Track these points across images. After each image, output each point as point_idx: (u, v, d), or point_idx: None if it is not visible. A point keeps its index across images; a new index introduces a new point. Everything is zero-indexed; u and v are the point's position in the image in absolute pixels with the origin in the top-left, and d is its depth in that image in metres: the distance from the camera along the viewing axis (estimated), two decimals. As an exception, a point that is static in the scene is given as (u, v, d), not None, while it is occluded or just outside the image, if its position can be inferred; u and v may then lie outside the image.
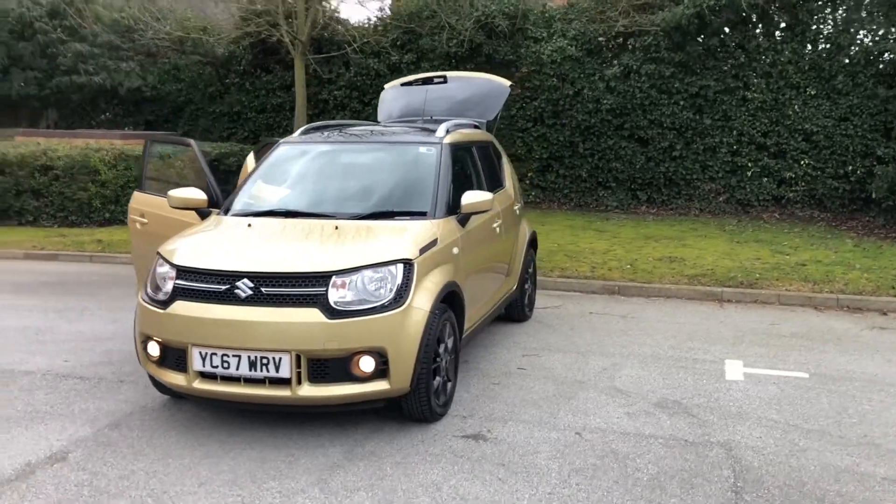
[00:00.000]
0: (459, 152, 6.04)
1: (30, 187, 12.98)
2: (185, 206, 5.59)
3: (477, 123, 7.22)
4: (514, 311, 7.24)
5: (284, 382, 4.36)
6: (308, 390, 4.37)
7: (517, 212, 7.13)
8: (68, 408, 5.07)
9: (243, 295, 4.42)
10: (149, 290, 4.76)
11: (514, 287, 7.01)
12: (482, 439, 4.61)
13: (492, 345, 6.60)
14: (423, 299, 4.59)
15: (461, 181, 5.90)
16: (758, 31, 13.76)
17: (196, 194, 5.59)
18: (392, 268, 4.55)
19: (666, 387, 5.57)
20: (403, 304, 4.48)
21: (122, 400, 5.21)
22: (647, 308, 8.10)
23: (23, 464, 4.24)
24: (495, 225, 6.18)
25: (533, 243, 7.64)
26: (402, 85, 8.07)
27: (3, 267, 10.09)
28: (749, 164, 13.66)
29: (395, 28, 15.41)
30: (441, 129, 5.95)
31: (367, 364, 4.41)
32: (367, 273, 4.48)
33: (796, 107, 13.42)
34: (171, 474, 4.13)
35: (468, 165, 6.22)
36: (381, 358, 4.42)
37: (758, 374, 5.88)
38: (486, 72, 14.50)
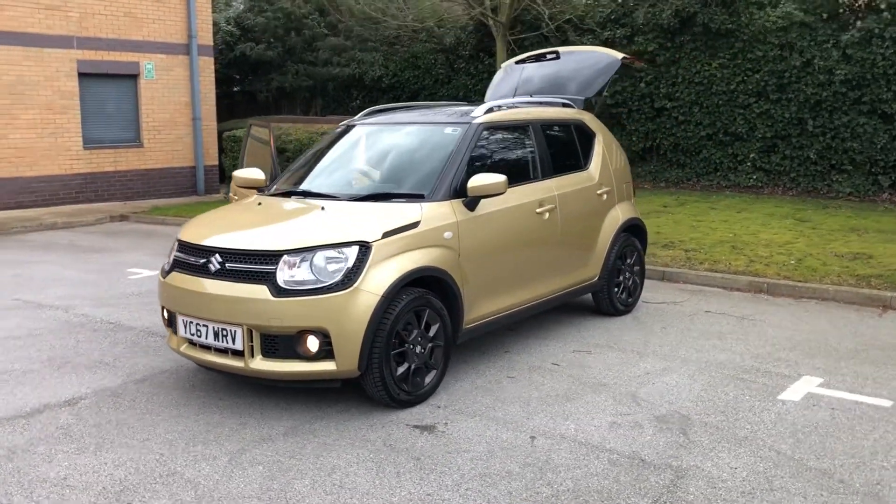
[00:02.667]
0: (498, 133, 5.77)
1: (264, 167, 14.61)
2: (247, 185, 6.01)
3: (567, 101, 6.81)
4: (601, 303, 6.74)
5: (241, 354, 4.58)
6: (259, 363, 4.55)
7: (603, 197, 6.59)
8: (117, 360, 5.75)
9: (213, 269, 4.70)
10: (165, 262, 5.25)
11: (596, 278, 6.53)
12: (429, 431, 4.44)
13: (550, 336, 6.24)
14: (377, 282, 4.51)
15: (494, 163, 5.65)
16: None
17: (255, 174, 5.99)
18: (346, 249, 4.54)
19: (694, 399, 4.88)
20: (351, 286, 4.45)
21: (166, 358, 5.79)
22: (782, 311, 7.04)
23: (40, 404, 4.94)
24: (541, 210, 5.80)
25: (634, 231, 7.02)
26: (517, 63, 7.81)
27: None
28: None
29: (608, 2, 14.77)
30: (480, 109, 5.72)
31: (312, 343, 4.47)
32: (322, 253, 4.52)
33: None
34: (135, 427, 4.55)
35: (515, 146, 5.90)
36: (326, 338, 4.45)
37: (824, 396, 4.90)
38: (702, 43, 13.50)
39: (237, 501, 3.67)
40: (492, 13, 13.76)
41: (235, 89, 21.89)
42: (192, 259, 4.85)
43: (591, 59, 7.27)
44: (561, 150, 6.35)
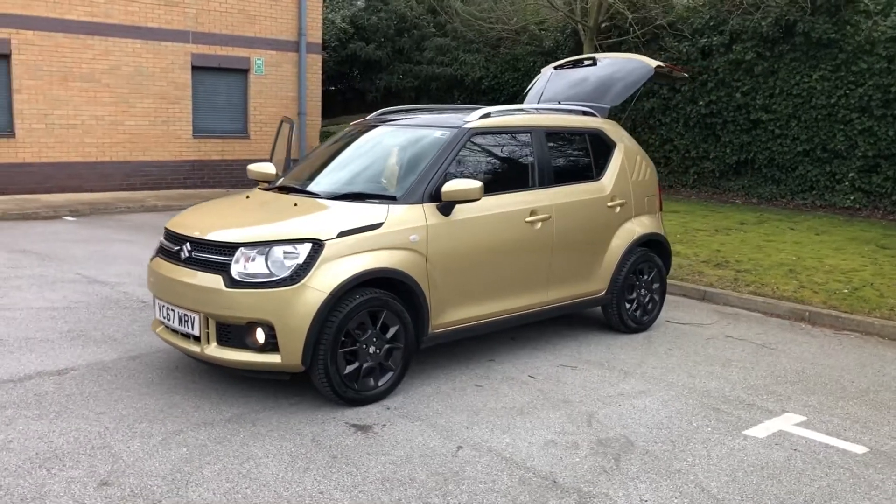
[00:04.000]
0: (492, 138, 5.70)
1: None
2: (259, 179, 6.25)
3: (587, 109, 6.63)
4: (610, 318, 6.54)
5: (199, 340, 4.78)
6: (214, 350, 4.73)
7: (616, 209, 6.37)
8: (127, 336, 6.11)
9: (183, 257, 4.93)
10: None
11: (603, 292, 6.33)
12: (362, 431, 4.48)
13: (545, 348, 6.11)
14: (325, 280, 4.59)
15: (483, 168, 5.60)
16: None
17: (267, 168, 6.22)
18: (299, 246, 4.64)
19: (652, 426, 4.66)
20: (299, 282, 4.55)
21: (167, 339, 6.10)
22: (812, 341, 6.58)
23: (34, 371, 5.33)
24: (532, 219, 5.68)
25: (654, 246, 6.75)
26: (556, 68, 7.67)
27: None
28: None
29: (707, 7, 14.17)
30: (475, 114, 5.69)
31: (260, 335, 4.61)
32: (277, 248, 4.64)
33: None
34: (103, 400, 4.82)
35: (509, 153, 5.81)
36: (271, 332, 4.57)
37: (794, 436, 4.56)
38: (803, 53, 12.73)
39: (142, 479, 3.84)
40: (581, 18, 13.52)
41: (347, 86, 22.56)
42: (170, 246, 5.10)
43: (625, 67, 7.04)
44: (568, 158, 6.20)
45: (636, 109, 15.53)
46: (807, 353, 6.24)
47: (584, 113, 6.61)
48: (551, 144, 6.06)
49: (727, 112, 14.18)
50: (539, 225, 5.75)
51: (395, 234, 4.92)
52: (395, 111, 6.58)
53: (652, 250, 6.73)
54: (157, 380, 5.22)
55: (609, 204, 6.34)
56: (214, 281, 4.66)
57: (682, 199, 14.45)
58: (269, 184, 6.06)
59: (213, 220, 5.17)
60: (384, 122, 6.16)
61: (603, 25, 14.61)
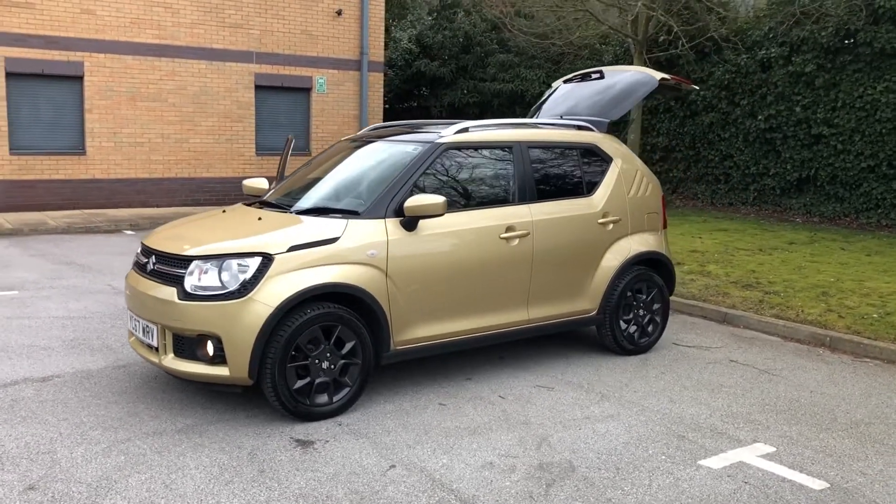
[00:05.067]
0: (467, 154, 5.62)
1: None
2: (252, 194, 6.36)
3: (581, 123, 6.47)
4: (604, 339, 6.33)
5: (158, 351, 4.89)
6: (169, 361, 4.82)
7: (608, 227, 6.16)
8: (124, 346, 6.29)
9: (149, 269, 5.05)
10: (141, 260, 5.69)
11: (594, 311, 6.14)
12: (302, 447, 4.45)
13: (528, 367, 5.96)
14: (272, 294, 4.60)
15: (455, 184, 5.53)
16: None
17: (259, 183, 6.33)
18: (249, 259, 4.68)
19: (604, 451, 4.46)
20: (246, 295, 4.59)
21: (158, 350, 6.26)
22: (821, 368, 6.19)
23: (22, 377, 5.55)
24: (508, 235, 5.56)
25: (654, 265, 6.50)
26: (564, 82, 7.52)
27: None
28: None
29: (768, 18, 13.64)
30: (451, 129, 5.63)
31: (210, 348, 4.67)
32: (228, 262, 4.70)
33: None
34: (70, 407, 4.96)
35: (486, 168, 5.71)
36: (219, 344, 4.62)
37: (753, 467, 4.27)
38: (866, 64, 12.07)
39: (69, 485, 3.93)
40: (633, 32, 13.24)
41: (413, 104, 22.78)
42: (142, 259, 5.24)
43: (627, 80, 6.82)
44: (555, 174, 6.05)
45: (696, 124, 15.06)
46: (810, 381, 5.86)
47: (580, 127, 6.44)
48: (536, 160, 5.93)
49: (787, 127, 13.58)
50: (516, 241, 5.62)
51: (351, 250, 4.90)
52: (387, 126, 6.58)
53: (652, 269, 6.48)
54: (130, 388, 5.36)
55: (600, 221, 6.14)
56: (170, 293, 4.75)
57: (738, 218, 13.90)
58: (255, 199, 6.15)
59: (180, 233, 5.28)
60: (374, 138, 6.17)
61: (657, 38, 14.27)
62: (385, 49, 22.39)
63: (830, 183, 13.20)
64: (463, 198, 5.57)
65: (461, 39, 20.96)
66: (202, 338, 4.68)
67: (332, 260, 4.83)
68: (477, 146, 5.68)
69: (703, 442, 4.64)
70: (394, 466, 4.22)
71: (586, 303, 6.11)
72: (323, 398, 4.85)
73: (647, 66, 13.61)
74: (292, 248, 4.74)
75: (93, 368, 5.76)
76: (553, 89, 7.54)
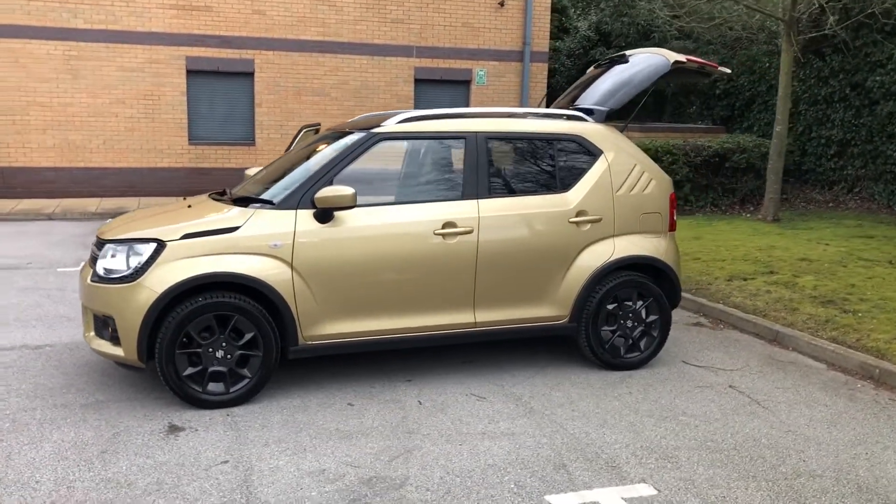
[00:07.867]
0: (408, 144, 5.37)
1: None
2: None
3: (574, 113, 5.88)
4: (582, 351, 5.73)
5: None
6: (90, 339, 5.09)
7: (583, 227, 5.54)
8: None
9: (91, 255, 5.36)
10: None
11: (565, 319, 5.58)
12: (168, 433, 4.50)
13: (481, 375, 5.57)
14: (160, 280, 4.69)
15: (389, 176, 5.29)
16: None
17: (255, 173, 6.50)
18: (144, 245, 4.81)
19: (457, 473, 4.05)
20: (137, 279, 4.72)
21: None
22: (834, 406, 5.15)
23: (10, 345, 6.13)
24: (445, 231, 5.18)
25: (649, 272, 5.77)
26: (595, 67, 6.86)
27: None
28: None
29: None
30: (394, 118, 5.37)
31: (110, 328, 4.87)
32: (129, 247, 4.86)
33: None
34: (41, 384, 5.33)
35: (429, 160, 5.38)
36: (115, 325, 4.80)
37: (597, 513, 3.65)
38: None
39: (-64, 444, 4.30)
40: (782, 14, 11.76)
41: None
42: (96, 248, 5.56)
43: (639, 64, 6.09)
44: (519, 167, 5.56)
45: (874, 115, 13.10)
46: (800, 420, 4.89)
47: (571, 118, 5.85)
48: (495, 152, 5.49)
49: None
50: (455, 239, 5.24)
51: (251, 239, 4.86)
52: (377, 115, 6.41)
53: (646, 276, 5.74)
54: (96, 362, 5.72)
55: (573, 219, 5.54)
56: (88, 275, 5.01)
57: (915, 223, 11.90)
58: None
59: (123, 222, 5.52)
60: (352, 129, 6.06)
61: (814, 18, 12.59)
62: (566, 36, 21.85)
63: None
64: (398, 191, 5.29)
65: (641, 24, 19.90)
66: (106, 319, 4.88)
67: (228, 249, 4.82)
68: (421, 136, 5.37)
69: (579, 474, 4.05)
70: (225, 462, 4.14)
71: (554, 308, 5.56)
72: (218, 387, 4.86)
73: (795, 49, 12.07)
74: (186, 236, 4.79)
75: (81, 341, 6.22)
76: (586, 76, 6.92)
